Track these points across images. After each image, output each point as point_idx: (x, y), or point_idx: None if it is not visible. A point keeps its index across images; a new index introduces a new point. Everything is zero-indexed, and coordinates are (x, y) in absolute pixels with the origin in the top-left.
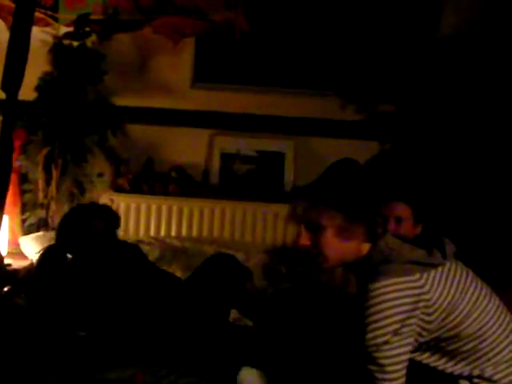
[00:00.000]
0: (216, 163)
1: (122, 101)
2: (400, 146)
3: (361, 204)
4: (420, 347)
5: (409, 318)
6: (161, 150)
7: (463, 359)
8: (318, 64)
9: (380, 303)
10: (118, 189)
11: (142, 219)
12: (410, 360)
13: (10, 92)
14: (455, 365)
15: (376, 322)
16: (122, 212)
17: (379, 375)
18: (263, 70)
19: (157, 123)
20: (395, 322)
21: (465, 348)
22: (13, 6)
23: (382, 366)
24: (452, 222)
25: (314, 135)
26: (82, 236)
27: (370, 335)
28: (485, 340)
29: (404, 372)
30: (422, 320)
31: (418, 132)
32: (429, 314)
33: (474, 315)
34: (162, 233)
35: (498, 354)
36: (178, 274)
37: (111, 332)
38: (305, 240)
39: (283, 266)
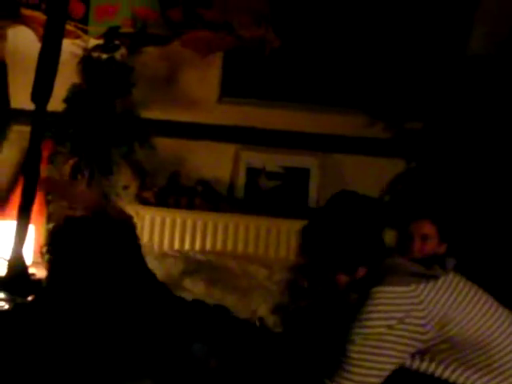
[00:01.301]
0: (241, 178)
1: (149, 114)
2: (426, 165)
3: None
4: (424, 357)
5: (393, 327)
6: (187, 164)
7: (467, 368)
8: (346, 81)
9: (371, 306)
10: (143, 201)
11: (167, 232)
12: (415, 372)
13: (40, 103)
14: (460, 374)
15: (361, 322)
16: (146, 225)
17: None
18: (290, 86)
19: (183, 137)
20: (378, 327)
21: (468, 358)
22: (44, 17)
23: (349, 365)
24: (477, 241)
25: (339, 152)
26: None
27: (352, 335)
28: (489, 350)
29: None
30: (414, 331)
31: (445, 150)
32: (422, 325)
33: (476, 326)
34: (187, 246)
35: (504, 364)
36: (201, 287)
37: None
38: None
39: (306, 282)
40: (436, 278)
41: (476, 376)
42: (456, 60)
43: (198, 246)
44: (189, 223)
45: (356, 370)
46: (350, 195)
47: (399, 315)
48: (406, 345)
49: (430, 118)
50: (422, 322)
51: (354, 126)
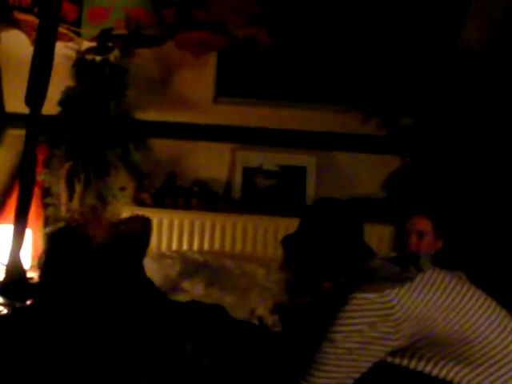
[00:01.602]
0: (238, 178)
1: (144, 115)
2: (421, 161)
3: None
4: (405, 353)
5: (364, 331)
6: (183, 165)
7: (450, 361)
8: (340, 78)
9: (344, 311)
10: (140, 203)
11: (164, 233)
12: (404, 368)
13: (34, 107)
14: (443, 367)
15: (335, 326)
16: None
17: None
18: (285, 85)
19: (179, 137)
20: (345, 335)
21: (450, 351)
22: (37, 21)
23: (322, 365)
24: (474, 236)
25: (335, 150)
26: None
27: (325, 338)
28: (473, 343)
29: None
30: (386, 336)
31: (439, 146)
32: (394, 330)
33: (457, 319)
34: (184, 247)
35: (490, 356)
36: (200, 288)
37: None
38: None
39: (304, 280)
40: (411, 279)
41: (458, 368)
42: (448, 55)
43: (195, 246)
44: (186, 224)
45: (327, 369)
46: (328, 203)
47: (371, 320)
48: (379, 348)
49: (422, 113)
50: (394, 327)
51: (349, 124)
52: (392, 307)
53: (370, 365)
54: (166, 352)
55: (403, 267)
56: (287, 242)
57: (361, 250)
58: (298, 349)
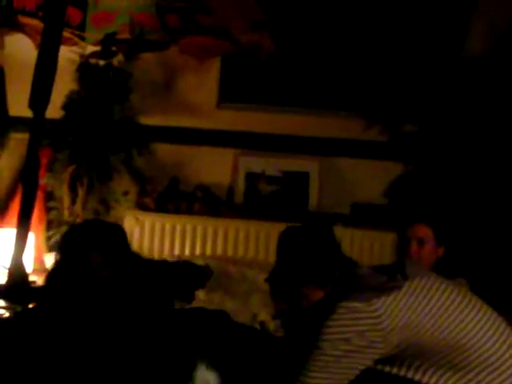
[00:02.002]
0: (241, 183)
1: (147, 120)
2: (423, 167)
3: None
4: (395, 362)
5: (350, 340)
6: (186, 169)
7: (439, 368)
8: (343, 84)
9: (331, 320)
10: (143, 207)
11: (167, 238)
12: (394, 376)
13: (38, 110)
14: (432, 375)
15: (321, 335)
16: (146, 231)
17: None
18: (288, 91)
19: (182, 142)
20: (332, 344)
21: (439, 358)
22: (41, 25)
23: (310, 372)
24: (475, 243)
25: (338, 155)
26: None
27: (312, 346)
28: (464, 350)
29: None
30: (372, 345)
31: (441, 153)
32: (380, 339)
33: (446, 326)
34: (187, 252)
35: (480, 362)
36: (202, 292)
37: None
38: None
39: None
40: (398, 288)
41: (448, 375)
42: (452, 62)
43: (198, 251)
44: (189, 228)
45: (315, 375)
46: (295, 230)
47: (359, 329)
48: (366, 356)
49: (426, 120)
50: (381, 337)
51: (352, 130)
52: (379, 316)
53: (357, 372)
54: (175, 373)
55: (390, 276)
56: (271, 277)
57: (340, 259)
58: (295, 355)
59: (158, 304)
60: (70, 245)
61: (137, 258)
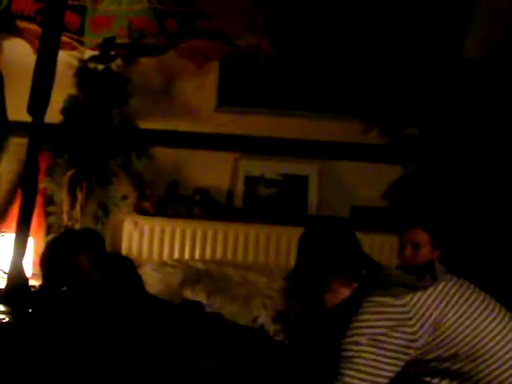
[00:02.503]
0: (240, 186)
1: (146, 124)
2: (423, 170)
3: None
4: (429, 370)
5: (383, 335)
6: (185, 173)
7: (468, 380)
8: (342, 87)
9: (361, 314)
10: (142, 211)
11: (166, 242)
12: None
13: (36, 115)
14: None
15: (351, 330)
16: (146, 235)
17: None
18: (288, 94)
19: (181, 146)
20: (368, 338)
21: (467, 368)
22: (39, 29)
23: (347, 370)
24: (472, 248)
25: (337, 159)
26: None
27: (343, 345)
28: (487, 359)
29: None
30: (404, 342)
31: (442, 156)
32: (412, 336)
33: (473, 333)
34: (186, 255)
35: (498, 370)
36: (202, 296)
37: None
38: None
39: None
40: (426, 287)
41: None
42: (451, 64)
43: (197, 255)
44: (188, 232)
45: (352, 375)
46: (320, 226)
47: (390, 324)
48: (401, 351)
49: (425, 123)
50: (412, 333)
51: (352, 133)
52: (408, 312)
53: (396, 369)
54: (184, 367)
55: (419, 276)
56: (292, 274)
57: (361, 257)
58: (302, 358)
59: (151, 303)
60: (57, 253)
61: (124, 259)
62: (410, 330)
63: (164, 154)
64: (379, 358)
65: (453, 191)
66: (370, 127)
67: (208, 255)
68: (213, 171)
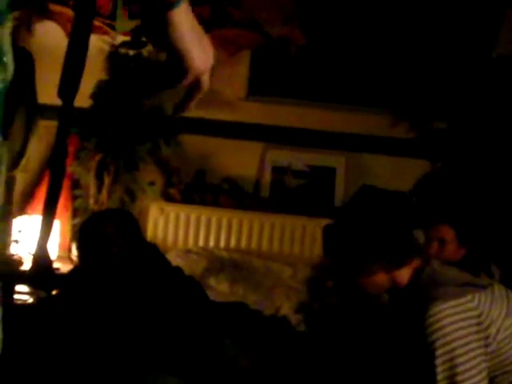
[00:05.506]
0: (267, 176)
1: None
2: (451, 166)
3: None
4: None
5: (472, 339)
6: (213, 162)
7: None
8: (372, 80)
9: (441, 328)
10: (168, 198)
11: (192, 229)
12: None
13: (67, 99)
14: None
15: (444, 348)
16: (171, 221)
17: None
18: (317, 85)
19: (210, 134)
20: (461, 346)
21: (498, 380)
22: (72, 13)
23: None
24: (500, 245)
25: (365, 151)
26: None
27: (441, 367)
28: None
29: None
30: (484, 339)
31: (471, 151)
32: (484, 332)
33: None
34: (211, 243)
35: None
36: (225, 285)
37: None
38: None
39: (330, 280)
40: (485, 287)
41: None
42: (482, 60)
43: (222, 243)
44: (214, 220)
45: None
46: (374, 191)
47: (469, 323)
48: (482, 348)
49: (454, 118)
50: (483, 327)
51: (380, 126)
52: (476, 309)
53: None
54: (202, 350)
55: (473, 274)
56: (329, 230)
57: (406, 245)
58: (325, 350)
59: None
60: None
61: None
62: (482, 329)
63: (192, 142)
64: (478, 359)
65: (481, 188)
66: (399, 121)
67: (233, 244)
68: (240, 160)
